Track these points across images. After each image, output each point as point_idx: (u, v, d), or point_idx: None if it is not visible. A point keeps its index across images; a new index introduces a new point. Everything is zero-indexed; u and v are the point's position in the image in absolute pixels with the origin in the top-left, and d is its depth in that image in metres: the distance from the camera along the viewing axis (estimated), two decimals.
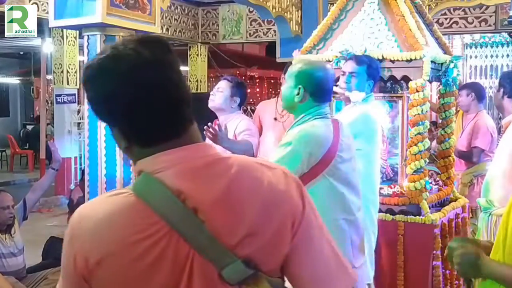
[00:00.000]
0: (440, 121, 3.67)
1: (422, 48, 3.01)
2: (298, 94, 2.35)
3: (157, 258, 0.97)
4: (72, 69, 8.10)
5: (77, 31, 6.94)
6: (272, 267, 1.03)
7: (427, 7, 6.23)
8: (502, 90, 3.27)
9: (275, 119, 4.44)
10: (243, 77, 12.51)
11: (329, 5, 6.65)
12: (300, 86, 2.34)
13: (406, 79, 3.12)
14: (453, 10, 7.71)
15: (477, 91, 4.77)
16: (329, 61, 3.19)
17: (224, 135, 3.18)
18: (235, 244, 0.98)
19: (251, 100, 12.83)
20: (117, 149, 3.42)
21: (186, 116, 1.04)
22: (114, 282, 0.99)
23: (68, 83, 8.08)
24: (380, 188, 3.07)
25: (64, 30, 7.48)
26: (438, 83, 3.55)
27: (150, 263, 0.97)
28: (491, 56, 9.53)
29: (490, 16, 7.75)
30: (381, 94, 3.41)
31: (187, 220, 0.97)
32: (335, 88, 2.74)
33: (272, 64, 10.75)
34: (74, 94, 8.39)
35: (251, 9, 8.29)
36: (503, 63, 9.45)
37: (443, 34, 3.69)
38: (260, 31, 9.01)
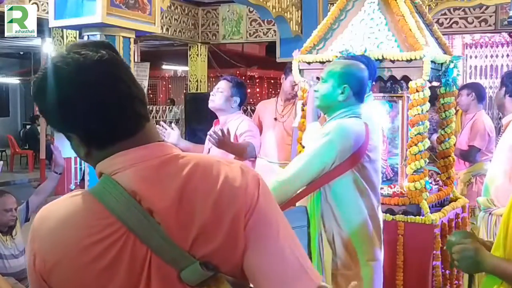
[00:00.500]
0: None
1: (422, 48, 3.01)
2: (342, 93, 2.42)
3: (114, 260, 0.96)
4: None
5: (77, 31, 6.93)
6: (232, 266, 1.00)
7: (427, 7, 6.23)
8: (504, 89, 3.28)
9: (275, 119, 4.44)
10: (243, 77, 12.52)
11: (329, 5, 6.65)
12: (345, 85, 2.41)
13: (406, 79, 3.12)
14: (453, 10, 7.72)
15: (477, 91, 4.79)
16: (329, 61, 3.19)
17: (227, 140, 3.22)
18: (190, 246, 0.97)
19: (251, 100, 12.85)
20: None
21: (140, 113, 1.04)
22: (71, 284, 0.99)
23: None
24: (380, 188, 3.07)
25: (64, 30, 7.47)
26: (438, 83, 3.55)
27: (106, 265, 0.96)
28: (491, 56, 9.52)
29: (490, 16, 7.75)
30: (381, 94, 3.41)
31: (143, 221, 0.97)
32: None
33: (272, 64, 10.77)
34: None
35: (251, 9, 8.29)
36: (503, 63, 9.44)
37: (443, 34, 3.68)
38: (260, 31, 9.01)
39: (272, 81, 15.38)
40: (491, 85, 9.19)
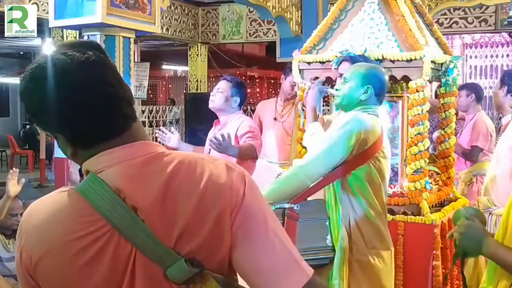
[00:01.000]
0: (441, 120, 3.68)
1: (422, 48, 3.01)
2: (365, 92, 2.47)
3: (96, 255, 0.97)
4: None
5: (77, 31, 6.92)
6: (218, 263, 1.01)
7: (427, 7, 6.24)
8: (506, 88, 3.28)
9: (275, 119, 4.45)
10: (243, 77, 12.53)
11: (329, 5, 6.66)
12: (368, 85, 2.47)
13: (406, 79, 3.12)
14: (453, 10, 7.73)
15: (477, 92, 4.81)
16: (329, 61, 3.19)
17: (229, 144, 3.23)
18: (174, 243, 0.98)
19: (251, 100, 12.85)
20: None
21: (127, 113, 1.05)
22: (54, 279, 1.00)
23: None
24: None
25: (64, 30, 7.48)
26: (438, 84, 3.55)
27: (87, 261, 0.97)
28: (491, 56, 9.53)
29: (490, 16, 7.76)
30: None
31: (128, 219, 0.97)
32: (330, 90, 2.75)
33: (272, 64, 10.77)
34: None
35: (251, 9, 8.29)
36: (503, 63, 9.44)
37: (443, 34, 3.68)
38: (260, 31, 9.01)
39: (272, 81, 15.39)
40: (491, 85, 9.18)
